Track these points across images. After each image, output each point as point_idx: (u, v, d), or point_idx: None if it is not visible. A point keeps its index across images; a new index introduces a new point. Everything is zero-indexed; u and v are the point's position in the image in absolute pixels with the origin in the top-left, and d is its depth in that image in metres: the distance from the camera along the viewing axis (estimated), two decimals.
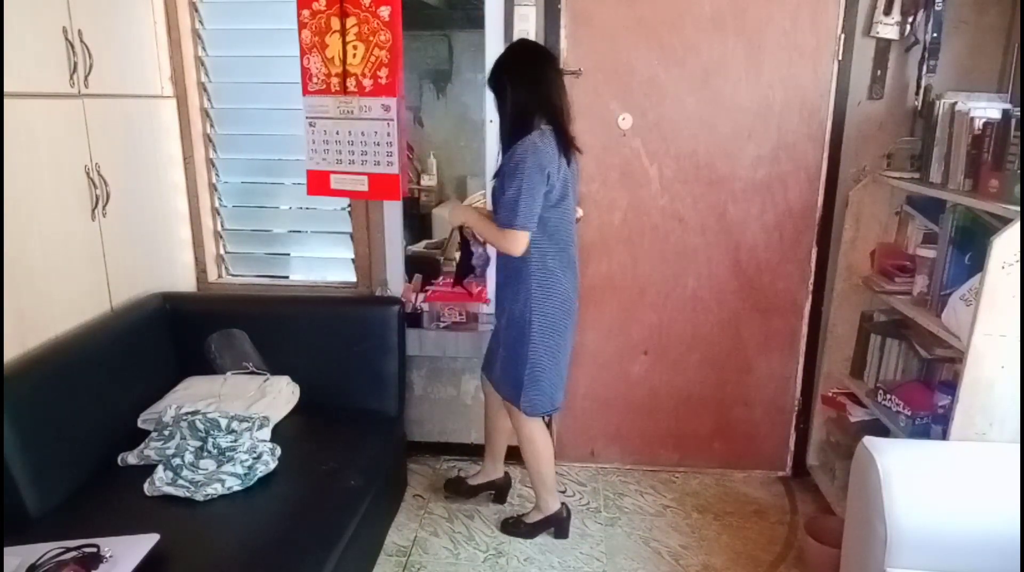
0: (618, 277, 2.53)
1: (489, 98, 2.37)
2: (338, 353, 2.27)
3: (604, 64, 2.36)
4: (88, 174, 1.95)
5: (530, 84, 1.93)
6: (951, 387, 1.76)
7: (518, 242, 1.89)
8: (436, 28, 2.87)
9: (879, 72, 2.26)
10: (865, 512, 1.57)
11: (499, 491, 2.48)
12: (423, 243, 3.07)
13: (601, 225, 2.49)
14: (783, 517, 2.42)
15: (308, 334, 2.29)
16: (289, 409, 2.15)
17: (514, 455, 2.30)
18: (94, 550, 1.38)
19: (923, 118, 2.18)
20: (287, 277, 2.65)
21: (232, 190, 2.59)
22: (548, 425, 2.67)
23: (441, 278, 2.68)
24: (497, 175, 1.98)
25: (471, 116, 2.68)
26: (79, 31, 1.88)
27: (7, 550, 1.38)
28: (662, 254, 2.50)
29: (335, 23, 2.19)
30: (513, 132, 1.92)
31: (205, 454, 1.82)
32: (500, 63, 1.99)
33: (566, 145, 1.94)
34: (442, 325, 2.51)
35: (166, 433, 1.88)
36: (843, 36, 2.25)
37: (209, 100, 2.48)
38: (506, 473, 2.49)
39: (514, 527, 2.28)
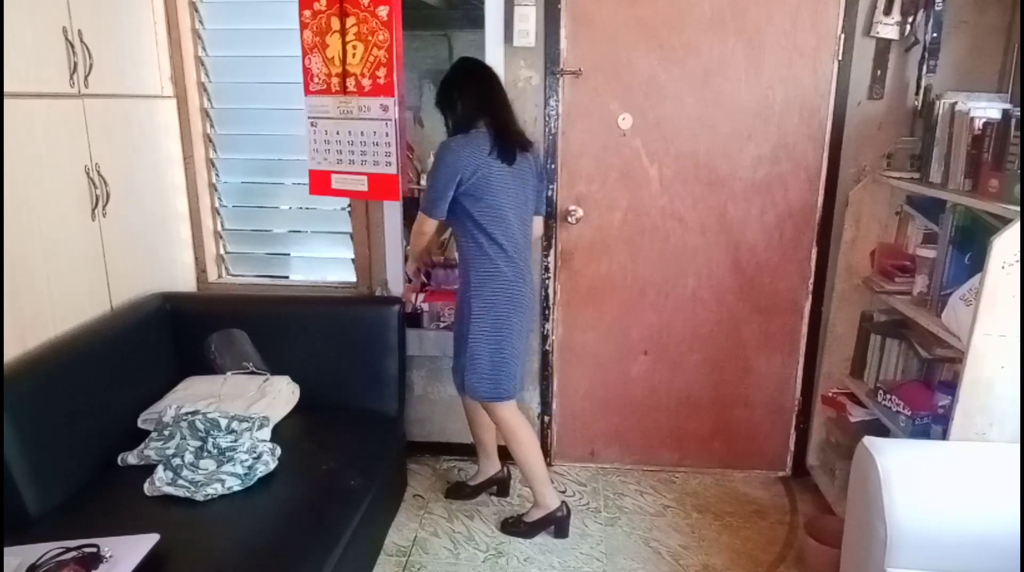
0: (618, 277, 2.53)
1: None
2: (338, 353, 2.27)
3: (604, 64, 2.36)
4: (88, 174, 1.95)
5: (474, 95, 2.07)
6: (951, 387, 1.76)
7: (421, 223, 2.10)
8: (436, 28, 2.87)
9: (879, 72, 2.26)
10: (865, 512, 1.57)
11: (500, 485, 2.50)
12: None
13: (601, 225, 2.49)
14: (783, 517, 2.42)
15: (308, 334, 2.29)
16: (289, 409, 2.15)
17: (509, 455, 2.30)
18: (94, 550, 1.38)
19: (923, 118, 2.18)
20: (287, 277, 2.65)
21: (232, 190, 2.59)
22: (548, 426, 2.68)
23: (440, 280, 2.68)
24: None
25: None
26: (79, 31, 1.88)
27: (7, 550, 1.38)
28: (662, 254, 2.50)
29: (335, 23, 2.19)
30: (454, 133, 2.07)
31: (205, 454, 1.82)
32: (448, 80, 2.12)
33: (504, 144, 2.03)
34: (442, 325, 2.51)
35: (166, 433, 1.88)
36: (843, 36, 2.25)
37: (209, 100, 2.48)
38: (504, 467, 2.49)
39: (513, 526, 2.28)
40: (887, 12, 2.19)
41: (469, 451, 2.63)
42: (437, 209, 2.03)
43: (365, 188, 2.30)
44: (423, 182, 3.05)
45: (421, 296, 2.53)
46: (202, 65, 2.45)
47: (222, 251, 2.64)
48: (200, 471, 1.77)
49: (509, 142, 2.04)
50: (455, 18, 2.80)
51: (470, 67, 2.14)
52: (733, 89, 2.34)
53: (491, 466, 2.48)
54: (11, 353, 1.69)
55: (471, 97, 2.07)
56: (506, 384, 2.14)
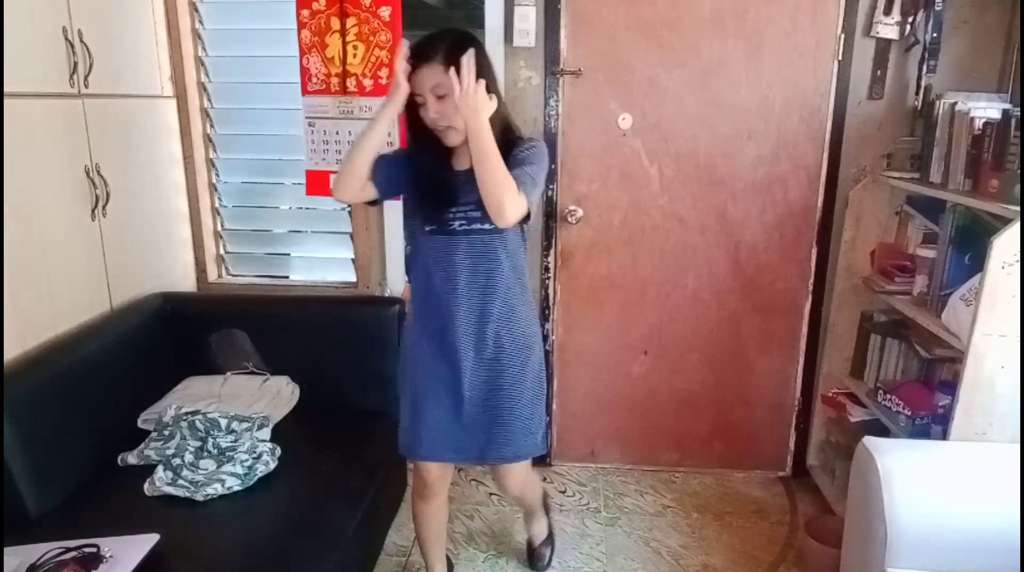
0: (618, 277, 2.53)
1: None
2: (338, 353, 2.27)
3: (604, 64, 2.36)
4: (88, 174, 1.95)
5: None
6: (951, 387, 1.76)
7: (520, 208, 1.46)
8: (436, 28, 2.87)
9: (879, 72, 2.26)
10: (865, 512, 1.57)
11: None
12: None
13: (601, 225, 2.49)
14: (783, 517, 2.42)
15: (308, 334, 2.29)
16: (289, 409, 2.15)
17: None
18: (94, 550, 1.38)
19: (923, 118, 2.18)
20: (287, 277, 2.65)
21: (232, 190, 2.59)
22: (548, 426, 2.67)
23: None
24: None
25: None
26: (79, 31, 1.88)
27: (7, 550, 1.38)
28: (662, 254, 2.50)
29: (335, 23, 2.19)
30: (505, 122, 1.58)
31: (205, 454, 1.82)
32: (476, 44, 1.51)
33: None
34: None
35: (166, 433, 1.88)
36: (843, 36, 2.25)
37: (209, 100, 2.48)
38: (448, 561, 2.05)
39: (541, 557, 2.12)
40: (887, 12, 2.19)
41: None
42: (533, 205, 1.54)
43: None
44: None
45: None
46: (202, 65, 2.44)
47: (222, 251, 2.64)
48: (200, 471, 1.77)
49: None
50: (455, 18, 2.80)
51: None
52: (733, 89, 2.34)
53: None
54: (11, 353, 1.69)
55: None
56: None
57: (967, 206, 1.80)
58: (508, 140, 1.56)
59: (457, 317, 1.61)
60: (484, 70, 1.48)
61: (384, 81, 2.20)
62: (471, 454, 1.71)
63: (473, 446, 1.68)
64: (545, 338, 2.57)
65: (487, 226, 1.54)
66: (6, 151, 1.65)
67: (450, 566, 2.07)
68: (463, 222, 1.57)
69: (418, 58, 1.50)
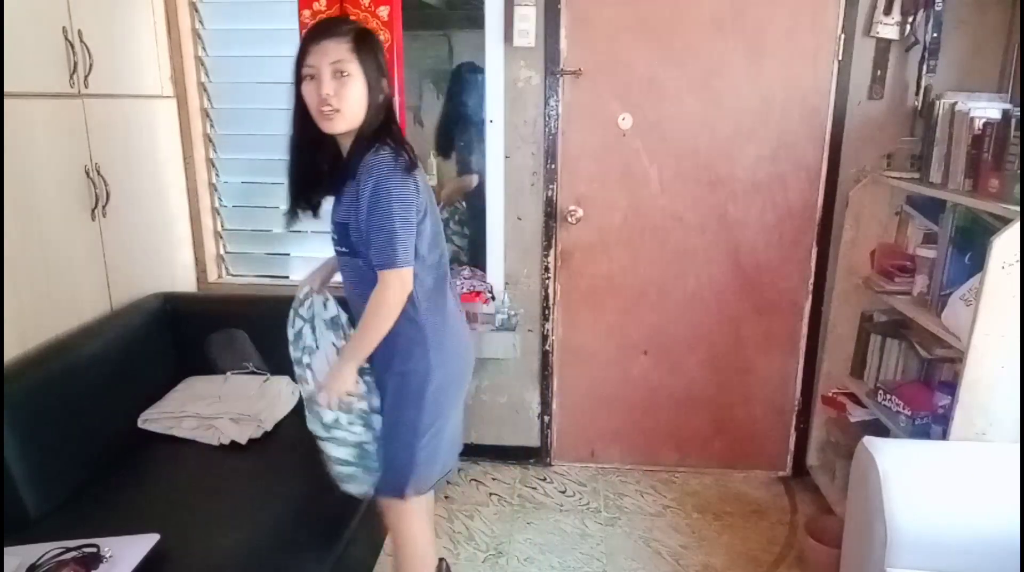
0: (618, 277, 2.53)
1: (493, 96, 2.37)
2: None
3: (604, 64, 2.36)
4: (88, 174, 1.95)
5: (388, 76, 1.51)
6: (951, 387, 1.76)
7: (401, 289, 1.46)
8: (436, 28, 2.87)
9: (879, 72, 2.26)
10: (865, 512, 1.57)
11: None
12: None
13: (601, 225, 2.49)
14: (783, 517, 2.42)
15: None
16: (289, 409, 2.14)
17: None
18: (94, 550, 1.38)
19: (923, 118, 2.18)
20: (287, 277, 2.65)
21: (232, 190, 2.59)
22: (548, 426, 2.67)
23: None
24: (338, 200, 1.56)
25: (471, 116, 2.69)
26: (79, 31, 1.88)
27: (7, 550, 1.38)
28: (662, 254, 2.50)
29: None
30: (367, 140, 1.49)
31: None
32: (370, 38, 1.49)
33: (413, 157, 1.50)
34: None
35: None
36: (843, 36, 2.25)
37: (209, 100, 2.48)
38: (442, 562, 2.00)
39: None
40: (887, 12, 2.19)
41: (466, 451, 2.62)
42: (412, 253, 1.48)
43: None
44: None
45: None
46: (202, 65, 2.45)
47: (222, 251, 2.64)
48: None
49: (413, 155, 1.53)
50: (455, 18, 2.80)
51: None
52: (733, 89, 2.34)
53: None
54: (11, 353, 1.69)
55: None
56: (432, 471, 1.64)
57: (967, 206, 1.80)
58: (381, 131, 1.51)
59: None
60: (382, 63, 1.49)
61: None
62: None
63: None
64: (545, 338, 2.58)
65: (342, 249, 1.59)
66: (6, 151, 1.65)
67: (447, 566, 2.05)
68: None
69: (321, 31, 1.45)
